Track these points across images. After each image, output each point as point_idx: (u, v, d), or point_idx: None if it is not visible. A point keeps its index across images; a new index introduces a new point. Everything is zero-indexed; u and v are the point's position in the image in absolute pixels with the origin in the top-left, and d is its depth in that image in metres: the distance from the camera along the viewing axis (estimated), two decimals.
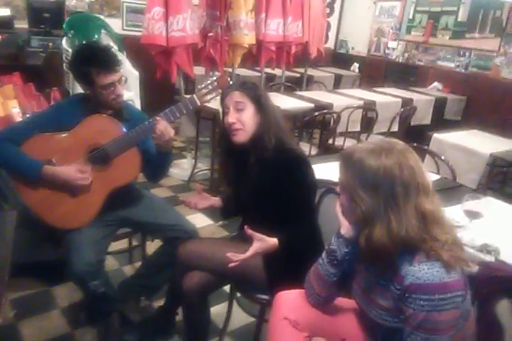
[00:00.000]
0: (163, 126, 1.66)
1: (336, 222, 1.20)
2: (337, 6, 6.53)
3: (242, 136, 1.55)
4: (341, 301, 1.30)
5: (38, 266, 2.18)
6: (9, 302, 2.08)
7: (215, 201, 1.77)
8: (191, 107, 1.74)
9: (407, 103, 4.30)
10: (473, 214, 1.46)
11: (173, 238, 1.84)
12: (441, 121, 4.73)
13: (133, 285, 2.01)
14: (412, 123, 4.40)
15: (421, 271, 1.00)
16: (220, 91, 1.75)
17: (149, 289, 2.01)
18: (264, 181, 1.54)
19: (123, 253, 2.46)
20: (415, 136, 3.62)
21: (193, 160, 3.72)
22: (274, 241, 1.45)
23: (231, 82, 1.75)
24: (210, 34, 3.56)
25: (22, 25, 4.00)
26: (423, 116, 4.58)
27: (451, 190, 2.04)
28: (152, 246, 2.11)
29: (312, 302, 1.25)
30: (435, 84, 5.20)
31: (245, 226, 1.43)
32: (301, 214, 1.54)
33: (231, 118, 1.54)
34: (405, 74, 5.65)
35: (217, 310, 2.04)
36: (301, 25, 4.48)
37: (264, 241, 1.43)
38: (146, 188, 2.26)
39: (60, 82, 3.72)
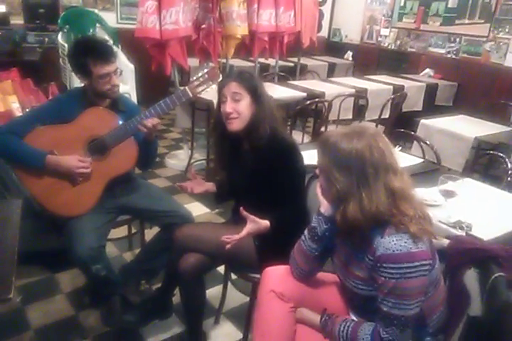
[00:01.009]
0: (155, 121, 1.77)
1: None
2: None
3: (237, 125, 1.63)
4: (323, 275, 1.40)
5: (42, 254, 2.29)
6: (16, 288, 2.18)
7: (210, 186, 1.86)
8: (184, 99, 1.83)
9: (398, 90, 4.37)
10: (448, 194, 1.56)
11: (170, 224, 1.93)
12: (432, 107, 4.81)
13: (133, 270, 2.11)
14: (404, 110, 4.46)
15: (390, 242, 1.10)
16: (211, 83, 1.83)
17: (148, 273, 2.11)
18: (257, 167, 1.63)
19: (123, 240, 2.57)
20: (406, 122, 3.70)
21: (190, 151, 3.81)
22: (266, 223, 1.55)
23: (220, 75, 1.83)
24: (203, 26, 3.61)
25: (18, 21, 4.06)
26: (414, 103, 4.65)
27: (433, 172, 2.13)
28: (151, 232, 2.21)
29: (296, 276, 1.35)
30: (427, 70, 5.26)
31: (241, 208, 1.53)
32: (291, 197, 1.63)
33: (228, 107, 1.61)
34: (398, 61, 5.70)
35: (213, 292, 2.15)
36: (293, 14, 4.51)
37: (257, 223, 1.53)
38: (143, 178, 2.36)
39: (57, 76, 3.79)
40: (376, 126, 3.91)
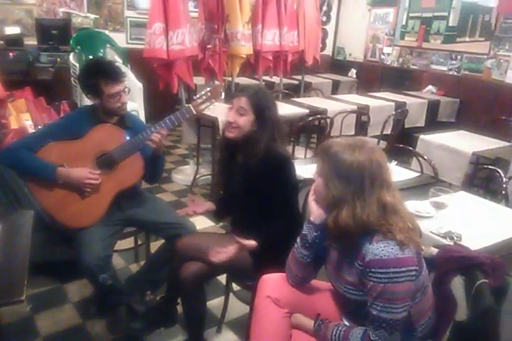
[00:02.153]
0: (161, 135, 1.86)
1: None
2: (333, 14, 6.72)
3: (233, 134, 1.72)
4: (318, 283, 1.47)
5: (51, 265, 2.37)
6: (26, 298, 2.26)
7: (209, 205, 1.93)
8: (188, 116, 1.93)
9: (400, 106, 4.46)
10: (438, 205, 1.62)
11: (174, 236, 2.01)
12: (435, 123, 4.87)
13: (138, 280, 2.19)
14: (406, 126, 4.54)
15: (378, 248, 1.17)
16: (214, 100, 1.94)
17: (153, 283, 2.18)
18: (249, 181, 1.71)
19: (129, 252, 2.64)
20: (408, 138, 3.78)
21: (196, 166, 3.91)
22: (251, 244, 1.63)
23: (223, 94, 1.94)
24: (209, 46, 3.76)
25: (31, 42, 4.24)
26: (417, 119, 4.73)
27: (430, 185, 2.19)
28: (156, 244, 2.28)
29: (291, 283, 1.41)
30: (429, 87, 5.35)
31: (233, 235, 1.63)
32: (282, 210, 1.69)
33: (230, 117, 1.71)
34: (400, 79, 5.81)
35: (216, 302, 2.21)
36: (296, 34, 4.67)
37: (243, 245, 1.62)
38: (150, 192, 2.46)
39: (69, 94, 3.93)
40: (378, 142, 3.99)
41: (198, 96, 1.94)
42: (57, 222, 1.94)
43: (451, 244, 1.51)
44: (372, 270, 1.17)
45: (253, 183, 1.69)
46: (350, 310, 1.35)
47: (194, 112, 1.92)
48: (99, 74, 1.90)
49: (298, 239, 1.38)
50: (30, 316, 2.14)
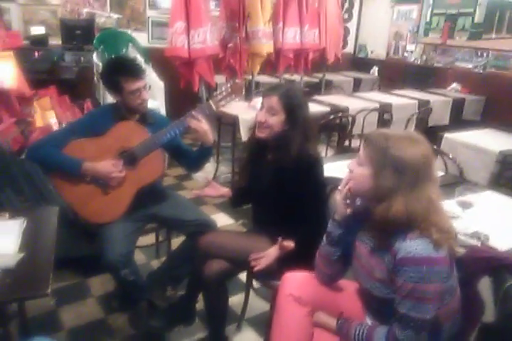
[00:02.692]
0: (193, 121, 1.88)
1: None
2: (355, 11, 6.65)
3: (263, 134, 1.70)
4: (342, 282, 1.45)
5: (75, 260, 2.41)
6: (51, 292, 2.31)
7: (225, 191, 1.94)
8: (208, 112, 1.94)
9: (423, 104, 4.38)
10: (465, 205, 1.58)
11: (195, 232, 2.02)
12: (460, 121, 4.77)
13: (159, 276, 2.20)
14: (430, 124, 4.47)
15: (412, 246, 1.14)
16: (234, 96, 1.94)
17: (174, 279, 2.20)
18: (279, 181, 1.68)
19: (151, 248, 2.67)
20: (432, 136, 3.69)
21: (216, 164, 3.92)
22: (291, 245, 1.63)
23: (244, 90, 1.93)
24: (230, 44, 3.77)
25: (56, 41, 4.32)
26: (441, 117, 4.64)
27: (455, 185, 2.14)
28: (177, 241, 2.30)
29: (320, 280, 1.41)
30: (454, 85, 5.25)
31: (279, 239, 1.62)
32: (308, 210, 1.67)
33: (260, 117, 1.69)
34: (424, 76, 5.70)
35: (236, 299, 2.21)
36: (317, 32, 4.64)
37: (285, 248, 1.63)
38: (171, 189, 2.48)
39: (92, 93, 4.00)
40: None
41: (218, 92, 1.94)
42: (81, 217, 1.97)
43: (479, 244, 1.47)
44: (404, 268, 1.14)
45: (283, 184, 1.66)
46: (374, 308, 1.33)
47: (214, 108, 1.93)
48: (119, 71, 1.92)
49: (324, 237, 1.37)
50: (55, 309, 2.18)
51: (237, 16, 3.64)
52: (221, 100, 1.93)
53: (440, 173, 2.32)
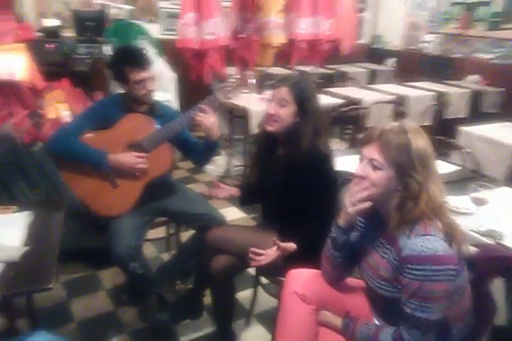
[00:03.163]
0: (200, 116, 1.84)
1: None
2: (371, 1, 6.51)
3: (274, 128, 1.66)
4: (348, 280, 1.42)
5: (87, 252, 2.43)
6: (61, 283, 2.34)
7: (233, 191, 1.91)
8: (216, 104, 1.91)
9: (440, 96, 4.28)
10: (479, 201, 1.53)
11: (204, 226, 2.01)
12: (478, 114, 4.65)
13: (168, 270, 2.20)
14: (447, 117, 4.37)
15: (416, 243, 1.10)
16: (242, 88, 1.91)
17: (183, 273, 2.20)
18: (287, 174, 1.66)
19: (161, 241, 2.67)
20: (449, 129, 3.62)
21: (228, 157, 3.90)
22: (292, 246, 1.60)
23: (254, 81, 1.89)
24: (241, 35, 3.72)
25: (69, 34, 4.32)
26: (458, 110, 4.53)
27: (470, 180, 2.08)
28: (187, 235, 2.29)
29: (327, 281, 1.37)
30: (472, 76, 5.11)
31: (274, 239, 1.60)
32: (318, 207, 1.63)
33: (270, 109, 1.65)
34: (441, 68, 5.57)
35: (245, 294, 2.20)
36: (332, 22, 4.55)
37: (285, 250, 1.61)
38: (182, 182, 2.46)
39: (105, 85, 3.99)
40: None
41: (225, 84, 1.91)
42: (91, 210, 1.97)
43: (492, 243, 1.42)
44: (409, 266, 1.11)
45: (294, 179, 1.63)
46: (381, 308, 1.30)
47: (221, 100, 1.90)
48: (125, 61, 1.91)
49: (328, 240, 1.34)
50: (65, 301, 2.20)
51: (248, 7, 3.59)
52: (229, 91, 1.90)
53: (456, 167, 2.27)
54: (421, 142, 1.15)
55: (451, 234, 1.12)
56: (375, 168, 1.17)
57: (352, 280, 1.43)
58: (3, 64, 2.58)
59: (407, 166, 1.14)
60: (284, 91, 1.62)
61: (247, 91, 1.91)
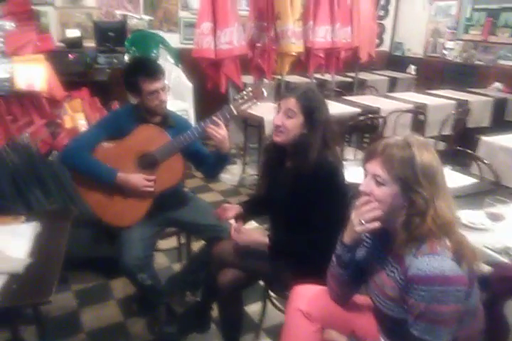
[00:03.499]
0: (213, 127, 1.82)
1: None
2: (392, 8, 6.44)
3: (281, 138, 1.62)
4: (356, 297, 1.37)
5: (98, 261, 2.44)
6: (73, 292, 2.35)
7: (237, 209, 1.83)
8: (229, 116, 1.89)
9: (461, 105, 4.18)
10: (495, 217, 1.47)
11: (214, 237, 1.99)
12: (503, 123, 4.52)
13: (178, 281, 2.19)
14: (469, 126, 4.26)
15: (423, 262, 1.05)
16: (255, 100, 1.88)
17: (193, 284, 2.18)
18: (295, 188, 1.61)
19: (173, 251, 2.67)
20: (471, 139, 3.52)
21: (243, 166, 3.89)
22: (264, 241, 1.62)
23: (265, 93, 1.87)
24: (258, 44, 3.72)
25: (90, 44, 4.41)
26: (481, 119, 4.41)
27: (488, 193, 2.01)
28: (197, 245, 2.28)
29: (333, 299, 1.33)
30: (496, 84, 4.98)
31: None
32: (326, 222, 1.55)
33: (277, 120, 1.62)
34: (464, 75, 5.45)
35: (254, 308, 2.17)
36: (350, 30, 4.51)
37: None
38: (193, 192, 2.46)
39: (123, 95, 4.05)
40: (436, 143, 3.76)
41: (239, 96, 1.89)
42: (101, 220, 1.98)
43: (507, 261, 1.35)
44: (415, 286, 1.06)
45: (301, 191, 1.58)
46: (389, 328, 1.24)
47: (235, 112, 1.88)
48: (137, 72, 1.91)
49: (333, 257, 1.29)
50: (76, 310, 2.21)
51: (265, 16, 3.59)
52: (242, 104, 1.88)
53: (474, 180, 2.19)
54: (426, 156, 1.10)
55: (461, 253, 1.07)
56: (379, 183, 1.13)
57: (359, 298, 1.38)
58: (23, 74, 2.63)
59: (411, 181, 1.09)
60: (291, 102, 1.59)
61: (259, 103, 1.89)
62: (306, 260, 1.54)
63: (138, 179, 1.90)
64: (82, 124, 2.94)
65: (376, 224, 1.14)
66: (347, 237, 1.23)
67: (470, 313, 1.13)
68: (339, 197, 1.61)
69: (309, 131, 1.59)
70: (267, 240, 1.61)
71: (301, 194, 1.59)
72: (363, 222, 1.16)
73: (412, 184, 1.09)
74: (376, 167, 1.13)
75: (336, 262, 1.28)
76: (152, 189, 1.91)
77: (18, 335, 1.67)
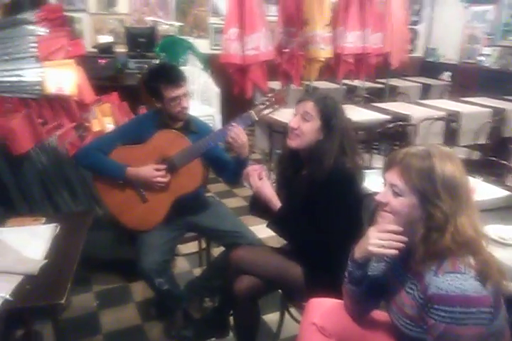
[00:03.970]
0: (233, 132, 1.81)
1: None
2: (426, 13, 6.31)
3: (295, 143, 1.59)
4: (374, 313, 1.31)
5: (119, 263, 2.46)
6: (94, 293, 2.37)
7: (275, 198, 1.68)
8: (249, 122, 1.88)
9: (497, 113, 4.02)
10: None
11: (233, 244, 1.96)
12: None
13: (197, 286, 2.17)
14: (506, 135, 4.09)
15: (444, 282, 0.99)
16: (276, 106, 1.86)
17: (211, 290, 2.15)
18: (310, 195, 1.56)
19: (194, 256, 2.65)
20: (506, 148, 3.38)
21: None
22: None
23: (286, 99, 1.84)
24: (286, 50, 3.70)
25: (121, 49, 4.51)
26: None
27: None
28: (218, 250, 2.26)
29: (349, 314, 1.28)
30: None
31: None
32: (341, 231, 1.49)
33: (293, 123, 1.58)
34: (501, 82, 5.25)
35: (273, 317, 2.12)
36: (380, 35, 4.43)
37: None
38: (213, 197, 2.44)
39: (152, 100, 4.10)
40: (470, 152, 3.62)
41: (260, 101, 1.87)
42: (121, 223, 1.99)
43: None
44: (435, 306, 0.99)
45: (315, 199, 1.54)
46: None
47: (256, 118, 1.86)
48: (159, 78, 1.92)
49: (345, 273, 1.23)
50: (96, 312, 2.23)
51: (294, 21, 3.57)
52: (263, 110, 1.86)
53: (508, 192, 2.08)
54: (449, 168, 1.04)
55: (486, 273, 0.99)
56: (396, 194, 1.07)
57: (378, 314, 1.32)
58: (53, 78, 2.70)
59: (430, 194, 1.03)
60: (309, 105, 1.55)
61: (281, 109, 1.87)
62: (319, 266, 1.49)
63: (148, 170, 1.90)
64: (110, 128, 2.98)
65: (393, 252, 1.08)
66: (358, 254, 1.16)
67: (496, 336, 1.05)
68: (353, 205, 1.55)
69: (326, 138, 1.55)
70: (279, 205, 1.60)
71: (314, 201, 1.54)
72: (382, 243, 1.09)
73: (430, 196, 1.03)
74: (394, 176, 1.08)
75: (347, 279, 1.23)
76: (164, 179, 1.90)
77: (32, 333, 1.69)
